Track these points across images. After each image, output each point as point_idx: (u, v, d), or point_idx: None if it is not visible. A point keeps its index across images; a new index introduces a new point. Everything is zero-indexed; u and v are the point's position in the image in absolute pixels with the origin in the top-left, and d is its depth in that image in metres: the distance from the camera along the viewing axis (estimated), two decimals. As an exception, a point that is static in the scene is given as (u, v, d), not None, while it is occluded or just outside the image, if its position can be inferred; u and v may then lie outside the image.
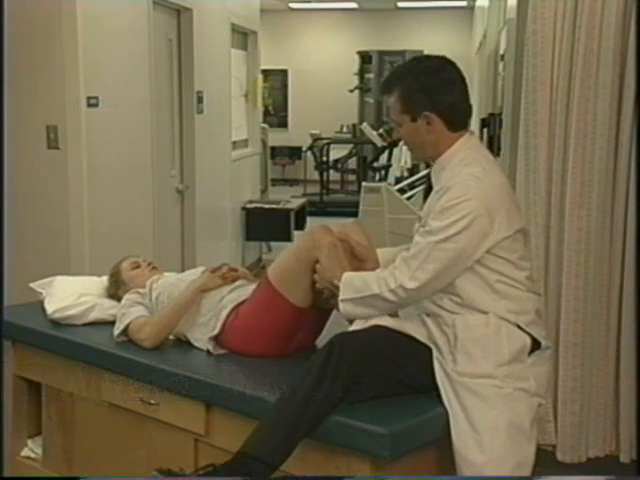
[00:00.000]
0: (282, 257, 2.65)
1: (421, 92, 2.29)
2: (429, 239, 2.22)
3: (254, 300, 2.65)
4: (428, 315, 2.35)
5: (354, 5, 13.50)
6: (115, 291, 3.09)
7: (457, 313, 2.28)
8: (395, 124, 2.39)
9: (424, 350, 2.31)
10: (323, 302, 2.58)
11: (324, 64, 14.05)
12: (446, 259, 2.21)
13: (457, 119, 2.33)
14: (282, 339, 2.63)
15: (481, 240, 2.20)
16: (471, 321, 2.26)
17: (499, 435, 2.19)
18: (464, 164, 2.28)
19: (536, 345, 2.31)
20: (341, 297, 2.35)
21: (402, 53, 11.82)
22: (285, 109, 14.65)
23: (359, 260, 2.52)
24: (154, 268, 3.10)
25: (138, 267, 3.09)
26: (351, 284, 2.34)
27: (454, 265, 2.22)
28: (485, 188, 2.22)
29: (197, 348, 2.74)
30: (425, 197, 2.40)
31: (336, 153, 12.13)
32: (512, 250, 2.27)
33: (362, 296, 2.31)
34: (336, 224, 2.64)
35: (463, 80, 2.36)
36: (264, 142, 8.60)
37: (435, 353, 2.30)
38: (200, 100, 5.81)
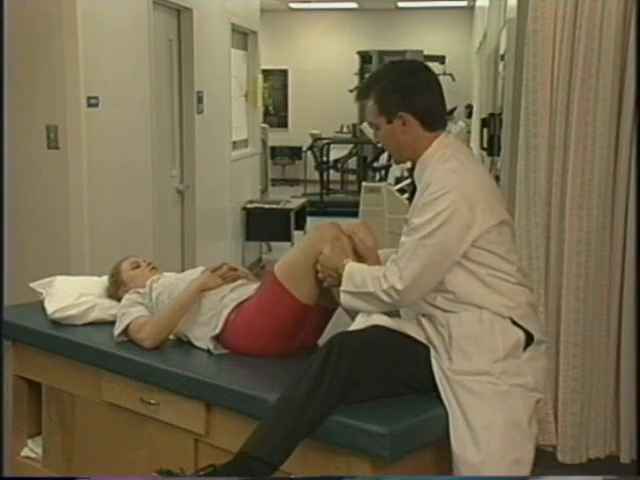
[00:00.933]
0: (289, 253, 2.66)
1: (396, 93, 2.33)
2: (413, 237, 2.24)
3: (259, 296, 2.66)
4: (423, 315, 2.36)
5: (354, 5, 13.50)
6: (115, 291, 3.09)
7: (451, 311, 2.29)
8: (373, 127, 2.43)
9: (423, 350, 2.32)
10: (327, 301, 2.58)
11: (324, 64, 14.04)
12: (431, 255, 2.22)
13: (433, 119, 2.36)
14: (285, 337, 2.63)
15: (464, 232, 2.22)
16: (465, 319, 2.27)
17: (495, 433, 2.19)
18: (442, 161, 2.30)
19: (530, 339, 2.32)
20: (342, 288, 2.37)
21: (402, 53, 11.81)
22: (285, 109, 14.65)
23: (360, 258, 2.53)
24: (154, 268, 3.10)
25: (138, 267, 3.09)
26: (352, 278, 2.36)
27: (440, 260, 2.23)
28: (463, 180, 2.24)
29: (197, 348, 2.74)
30: (411, 199, 2.43)
31: (336, 153, 12.13)
32: (499, 243, 2.28)
33: (360, 292, 2.33)
34: (342, 223, 2.65)
35: (438, 82, 2.40)
36: (264, 142, 8.60)
37: (432, 352, 2.31)
38: (200, 100, 5.81)
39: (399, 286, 2.23)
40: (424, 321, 2.35)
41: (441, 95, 2.39)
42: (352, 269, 2.38)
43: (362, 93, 2.42)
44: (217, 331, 2.67)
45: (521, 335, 2.29)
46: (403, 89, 2.33)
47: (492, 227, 2.25)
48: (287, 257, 2.64)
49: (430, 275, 2.24)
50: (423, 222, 2.22)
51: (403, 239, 2.30)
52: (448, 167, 2.27)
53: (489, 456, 2.18)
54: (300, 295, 2.56)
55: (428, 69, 2.44)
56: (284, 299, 2.56)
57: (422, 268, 2.22)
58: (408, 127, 2.33)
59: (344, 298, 2.37)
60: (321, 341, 2.72)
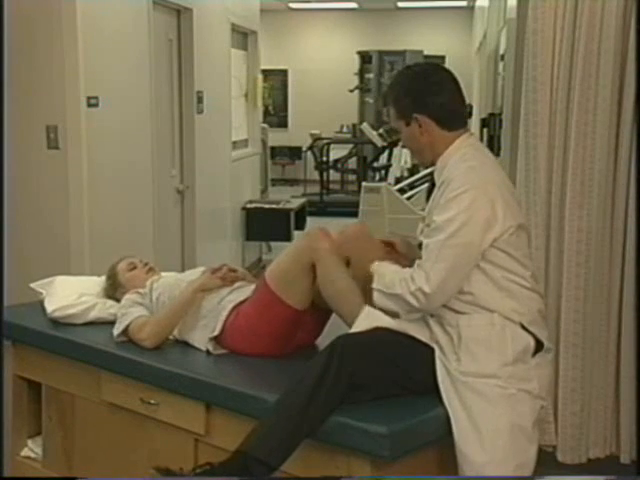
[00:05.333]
0: (279, 258, 2.65)
1: (408, 96, 2.36)
2: (437, 237, 2.23)
3: (253, 300, 2.66)
4: (432, 315, 2.34)
5: (354, 5, 13.50)
6: (113, 293, 3.09)
7: (462, 313, 2.28)
8: (398, 131, 2.47)
9: (426, 351, 2.31)
10: (322, 301, 2.58)
11: (324, 64, 14.04)
12: (456, 255, 2.21)
13: (449, 118, 2.36)
14: (281, 339, 2.63)
15: (486, 230, 2.21)
16: (475, 321, 2.26)
17: (502, 436, 2.19)
18: (463, 160, 2.31)
19: (539, 346, 2.31)
20: (374, 285, 2.36)
21: (402, 53, 11.82)
22: (285, 109, 14.65)
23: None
24: (151, 269, 3.09)
25: (135, 268, 3.08)
26: (383, 277, 2.35)
27: (465, 260, 2.22)
28: (484, 178, 2.25)
29: (197, 348, 2.74)
30: (428, 196, 2.43)
31: (336, 153, 12.12)
32: (516, 246, 2.28)
33: (390, 292, 2.31)
34: (336, 225, 2.64)
35: (455, 81, 2.40)
36: (264, 142, 8.60)
37: (437, 353, 2.30)
38: (200, 100, 5.81)
39: (427, 289, 2.21)
40: (432, 321, 2.34)
41: (459, 93, 2.39)
42: (382, 267, 2.38)
43: (384, 99, 2.50)
44: (216, 332, 2.66)
45: (531, 341, 2.29)
46: (414, 92, 2.36)
47: (511, 228, 2.25)
48: (276, 264, 2.63)
49: (457, 276, 2.23)
50: (445, 220, 2.21)
51: (426, 241, 2.29)
52: (469, 165, 2.28)
53: (493, 458, 2.18)
54: (291, 301, 2.55)
55: (444, 69, 2.45)
56: (276, 305, 2.56)
57: (449, 270, 2.21)
58: (425, 128, 2.35)
59: (376, 297, 2.35)
60: (320, 340, 2.72)
